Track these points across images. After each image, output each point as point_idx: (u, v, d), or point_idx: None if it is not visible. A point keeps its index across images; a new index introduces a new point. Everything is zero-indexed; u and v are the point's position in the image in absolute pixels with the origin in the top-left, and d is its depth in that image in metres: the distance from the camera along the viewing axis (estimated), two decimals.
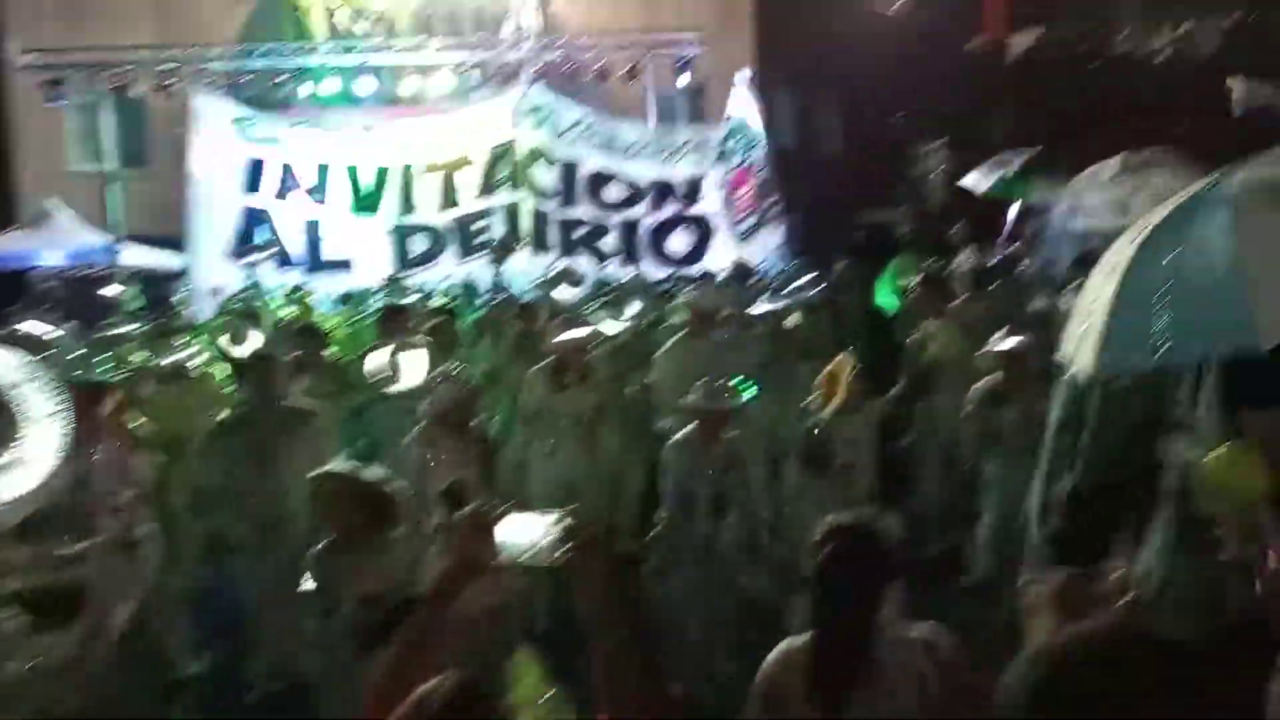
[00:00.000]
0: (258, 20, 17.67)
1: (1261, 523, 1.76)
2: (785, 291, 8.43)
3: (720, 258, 12.13)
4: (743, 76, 13.76)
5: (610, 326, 7.09)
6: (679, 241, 12.34)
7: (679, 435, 4.91)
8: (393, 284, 10.35)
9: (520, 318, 7.52)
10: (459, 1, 18.41)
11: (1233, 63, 16.06)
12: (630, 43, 15.22)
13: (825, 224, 14.64)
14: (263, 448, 4.81)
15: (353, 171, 11.91)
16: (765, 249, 12.43)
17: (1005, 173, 12.47)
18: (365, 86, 14.89)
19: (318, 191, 11.85)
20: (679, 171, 12.64)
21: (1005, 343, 5.92)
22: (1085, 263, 7.93)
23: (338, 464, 3.50)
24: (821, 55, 16.84)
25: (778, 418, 6.03)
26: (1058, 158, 12.38)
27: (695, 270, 11.88)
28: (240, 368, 5.89)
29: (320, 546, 3.47)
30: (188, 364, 6.46)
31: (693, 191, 12.52)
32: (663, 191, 12.37)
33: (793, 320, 7.03)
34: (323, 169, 11.86)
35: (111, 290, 10.74)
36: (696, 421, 4.83)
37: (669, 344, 6.65)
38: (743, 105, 13.44)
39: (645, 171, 12.42)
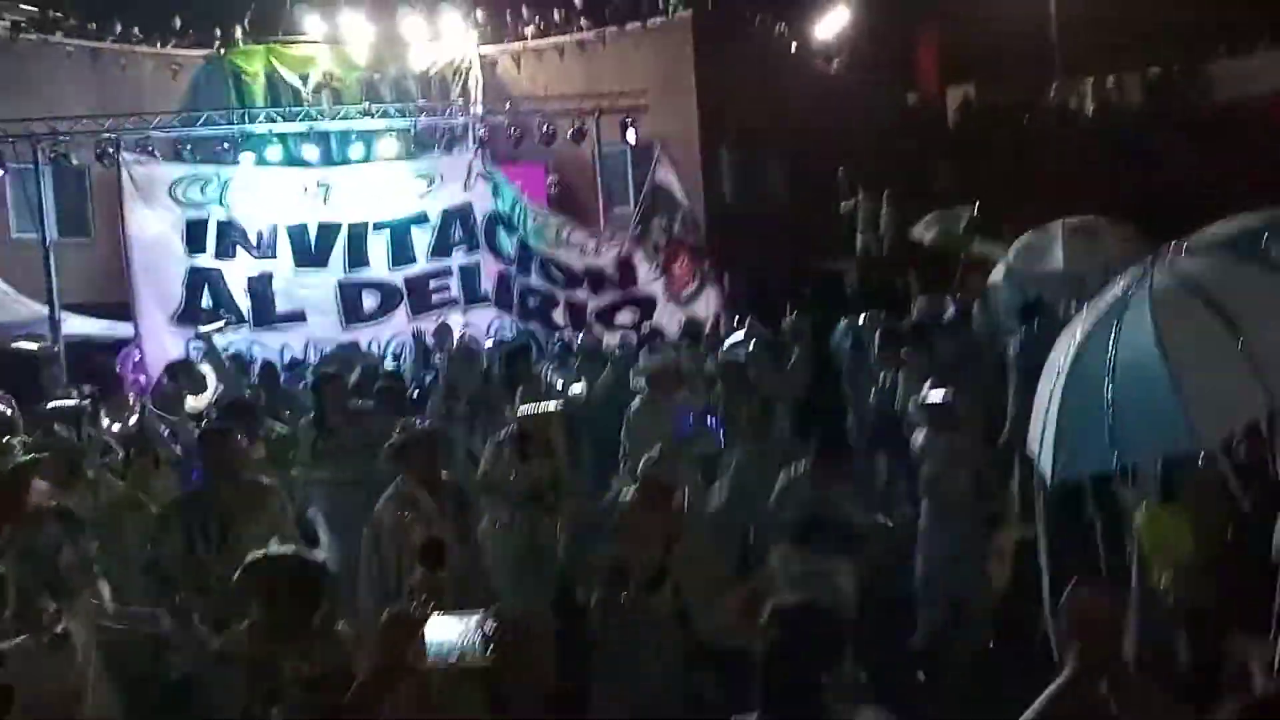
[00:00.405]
0: (199, 88, 17.65)
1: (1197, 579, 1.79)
2: (735, 344, 8.49)
3: (668, 319, 12.24)
4: (660, 146, 13.92)
5: (575, 388, 7.08)
6: (625, 317, 12.39)
7: (623, 502, 4.89)
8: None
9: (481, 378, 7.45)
10: (404, 67, 18.59)
11: (1159, 115, 16.79)
12: (575, 106, 15.42)
13: (774, 277, 14.84)
14: (223, 523, 4.68)
15: (301, 228, 11.81)
16: (708, 307, 12.53)
17: (949, 226, 12.84)
18: (310, 152, 14.88)
19: (265, 247, 11.72)
20: (606, 258, 12.67)
21: (932, 395, 6.01)
22: (1030, 315, 8.14)
23: (272, 546, 3.39)
24: (764, 114, 17.24)
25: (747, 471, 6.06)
26: (997, 209, 12.77)
27: (645, 329, 11.95)
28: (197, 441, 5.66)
29: (245, 627, 3.34)
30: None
31: (627, 274, 12.59)
32: (597, 278, 12.43)
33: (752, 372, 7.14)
34: (268, 228, 11.75)
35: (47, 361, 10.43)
36: (639, 491, 4.82)
37: (635, 407, 6.69)
38: (664, 173, 13.60)
39: (576, 260, 12.46)
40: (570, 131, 15.11)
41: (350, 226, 11.87)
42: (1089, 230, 9.64)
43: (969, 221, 12.98)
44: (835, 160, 17.51)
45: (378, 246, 11.95)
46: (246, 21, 18.12)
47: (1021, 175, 15.93)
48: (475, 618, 2.19)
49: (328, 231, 11.80)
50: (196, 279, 11.43)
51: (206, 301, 11.41)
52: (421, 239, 12.10)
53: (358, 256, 11.87)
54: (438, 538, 4.32)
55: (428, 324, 11.64)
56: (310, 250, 11.73)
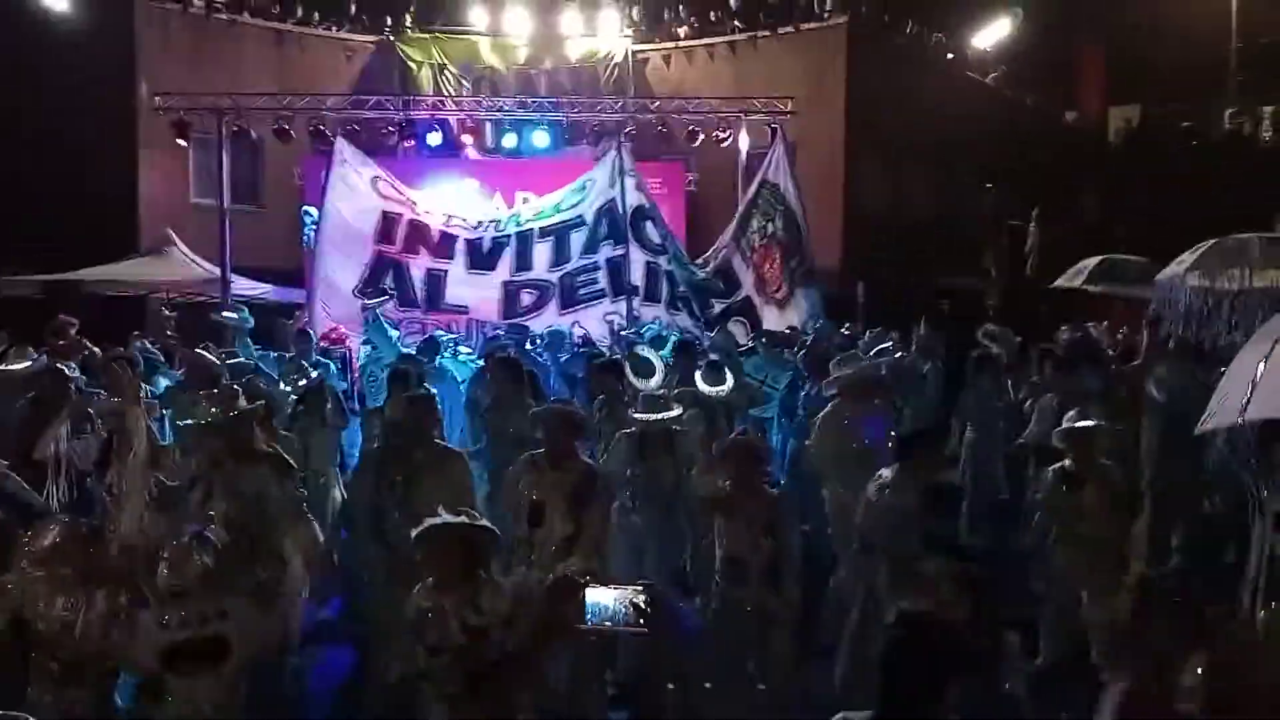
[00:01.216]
0: (370, 73, 18.65)
1: None
2: (871, 354, 8.45)
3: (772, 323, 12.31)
4: (776, 140, 13.70)
5: (714, 389, 7.17)
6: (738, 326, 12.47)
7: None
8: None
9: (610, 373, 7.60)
10: (559, 60, 19.14)
11: None
12: (722, 106, 15.56)
13: (910, 289, 14.61)
14: (408, 481, 5.04)
15: (478, 240, 12.48)
16: (802, 311, 12.46)
17: (1122, 274, 12.30)
18: (468, 139, 15.56)
19: (444, 250, 12.43)
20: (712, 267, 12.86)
21: (1077, 424, 5.88)
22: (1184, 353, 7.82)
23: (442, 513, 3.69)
24: (913, 123, 16.96)
25: None
26: (1155, 240, 12.20)
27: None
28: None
29: (422, 586, 3.66)
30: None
31: (730, 280, 12.72)
32: (704, 291, 12.64)
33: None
34: (448, 236, 12.43)
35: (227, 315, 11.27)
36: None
37: (826, 413, 6.77)
38: (776, 172, 13.49)
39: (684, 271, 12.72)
40: (716, 132, 15.27)
41: (518, 236, 12.49)
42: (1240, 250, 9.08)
43: (1108, 265, 12.42)
44: (984, 175, 17.09)
45: (541, 252, 12.52)
46: (412, 10, 19.02)
47: (1186, 204, 15.19)
48: (628, 590, 2.44)
49: (499, 244, 12.49)
50: (382, 263, 12.17)
51: (388, 283, 12.11)
52: (577, 240, 12.59)
53: (523, 261, 12.49)
54: (540, 501, 4.72)
55: (576, 316, 12.04)
56: (483, 255, 12.43)
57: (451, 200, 13.22)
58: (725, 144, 15.26)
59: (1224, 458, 5.95)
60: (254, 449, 4.88)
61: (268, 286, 14.83)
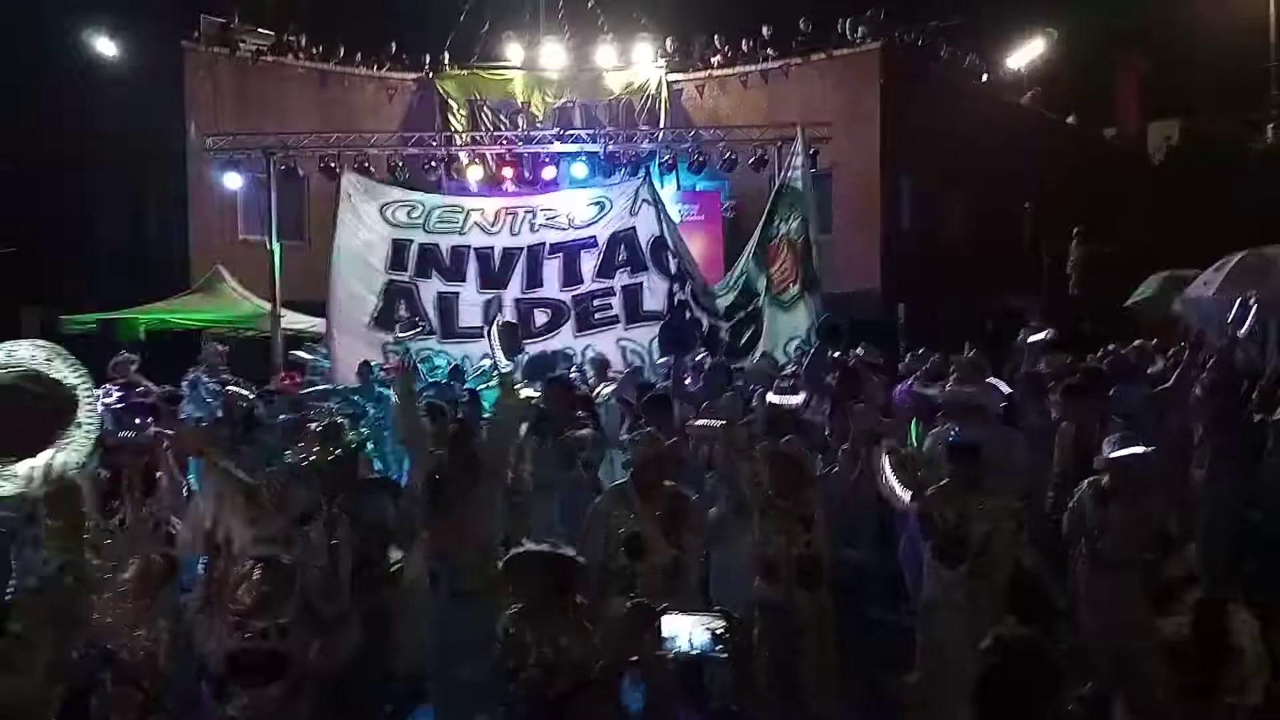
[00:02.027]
0: (411, 109, 19.09)
1: None
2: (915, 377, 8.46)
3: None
4: (800, 131, 13.33)
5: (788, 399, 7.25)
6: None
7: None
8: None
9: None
10: (594, 93, 19.43)
11: None
12: (757, 134, 15.70)
13: (951, 311, 14.57)
14: (456, 495, 5.14)
15: (487, 251, 12.60)
16: (808, 317, 12.20)
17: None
18: (507, 172, 15.84)
19: (455, 271, 12.58)
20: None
21: (1119, 451, 5.80)
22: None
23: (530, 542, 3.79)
24: (949, 145, 16.96)
25: None
26: (1199, 256, 12.09)
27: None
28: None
29: (511, 613, 3.73)
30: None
31: (749, 295, 12.64)
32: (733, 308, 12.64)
33: None
34: (460, 252, 12.58)
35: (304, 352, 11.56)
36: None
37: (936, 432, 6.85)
38: (796, 170, 13.29)
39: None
40: (751, 160, 15.41)
41: (529, 250, 12.60)
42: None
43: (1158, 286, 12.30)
44: (1022, 196, 17.02)
45: (551, 269, 12.61)
46: (450, 47, 19.45)
47: (1230, 219, 15.00)
48: (703, 617, 2.51)
49: (510, 256, 12.58)
50: (394, 291, 12.38)
51: (401, 311, 12.31)
52: (589, 261, 12.67)
53: (533, 278, 12.58)
54: (638, 532, 4.70)
55: (590, 340, 12.13)
56: (493, 273, 12.56)
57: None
58: (761, 171, 15.38)
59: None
60: (366, 478, 5.07)
61: (316, 319, 15.13)
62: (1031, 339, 8.82)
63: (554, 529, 5.76)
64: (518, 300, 12.43)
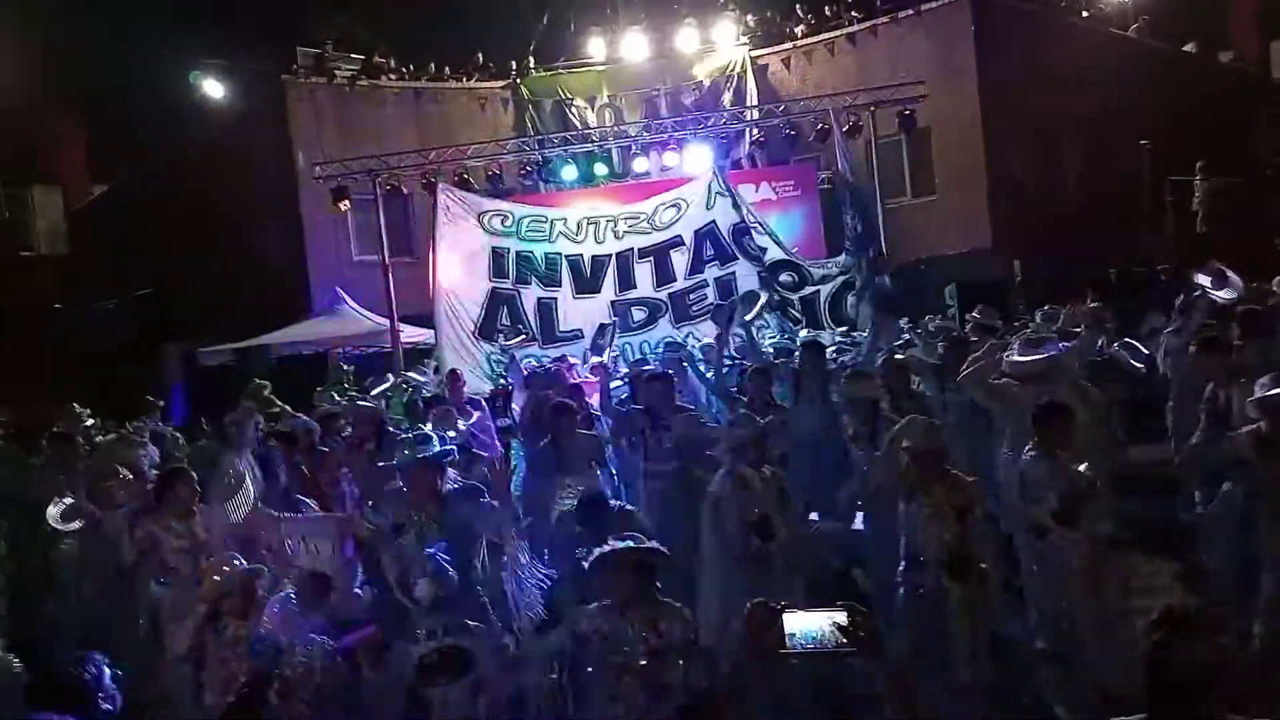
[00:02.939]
0: (502, 116, 19.45)
1: None
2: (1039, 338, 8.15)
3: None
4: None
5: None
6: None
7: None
8: None
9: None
10: (679, 78, 19.35)
11: None
12: (849, 100, 15.38)
13: (1072, 263, 13.96)
14: None
15: (577, 259, 12.83)
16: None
17: None
18: (601, 168, 15.98)
19: (550, 278, 12.82)
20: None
21: (1271, 391, 5.47)
22: None
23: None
24: (1054, 90, 16.24)
25: None
26: None
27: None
28: None
29: (599, 608, 3.88)
30: None
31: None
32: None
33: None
34: (553, 259, 12.81)
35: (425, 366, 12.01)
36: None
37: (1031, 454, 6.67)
38: (843, 163, 13.15)
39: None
40: (845, 127, 15.10)
41: (618, 256, 12.78)
42: None
43: None
44: (1137, 134, 16.17)
45: (643, 271, 12.77)
46: (534, 51, 19.70)
47: None
48: (827, 611, 2.46)
49: (599, 263, 12.83)
50: (496, 299, 12.70)
51: (503, 319, 12.61)
52: (680, 260, 12.78)
53: (626, 280, 12.76)
54: (767, 514, 4.75)
55: (690, 329, 12.19)
56: (586, 278, 12.80)
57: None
58: (857, 138, 15.07)
59: None
60: (447, 489, 5.25)
61: (430, 331, 15.60)
62: (1214, 295, 8.32)
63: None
64: (613, 302, 12.62)
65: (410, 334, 14.91)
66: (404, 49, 20.02)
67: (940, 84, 16.53)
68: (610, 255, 12.76)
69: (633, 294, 12.71)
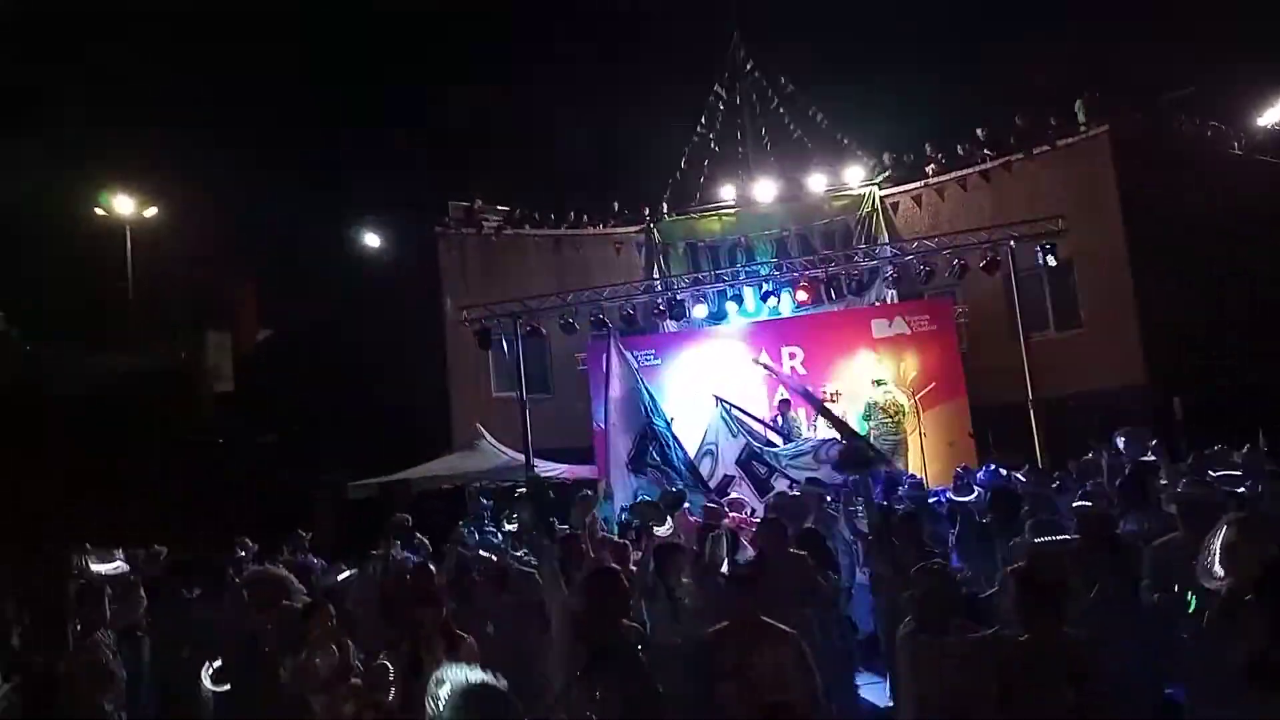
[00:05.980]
0: (636, 260, 20.15)
1: None
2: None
3: None
4: None
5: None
6: None
7: None
8: None
9: None
10: (809, 218, 19.59)
11: None
12: (985, 236, 15.25)
13: (1237, 398, 13.07)
14: None
15: (726, 412, 13.05)
16: None
17: None
18: (731, 307, 16.23)
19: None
20: None
21: None
22: None
23: None
24: (1203, 220, 15.62)
25: None
26: None
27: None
28: None
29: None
30: None
31: None
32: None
33: None
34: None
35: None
36: None
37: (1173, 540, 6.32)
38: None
39: None
40: (983, 262, 14.93)
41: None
42: None
43: None
44: None
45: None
46: (668, 198, 20.48)
47: None
48: None
49: (733, 419, 13.15)
50: (648, 435, 12.92)
51: (652, 457, 12.76)
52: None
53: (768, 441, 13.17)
54: None
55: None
56: (730, 432, 13.11)
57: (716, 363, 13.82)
58: (995, 274, 14.86)
59: None
60: None
61: (564, 466, 15.87)
62: None
63: None
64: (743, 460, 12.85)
65: (544, 468, 15.19)
66: (545, 199, 21.20)
67: (1082, 218, 16.22)
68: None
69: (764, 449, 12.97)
